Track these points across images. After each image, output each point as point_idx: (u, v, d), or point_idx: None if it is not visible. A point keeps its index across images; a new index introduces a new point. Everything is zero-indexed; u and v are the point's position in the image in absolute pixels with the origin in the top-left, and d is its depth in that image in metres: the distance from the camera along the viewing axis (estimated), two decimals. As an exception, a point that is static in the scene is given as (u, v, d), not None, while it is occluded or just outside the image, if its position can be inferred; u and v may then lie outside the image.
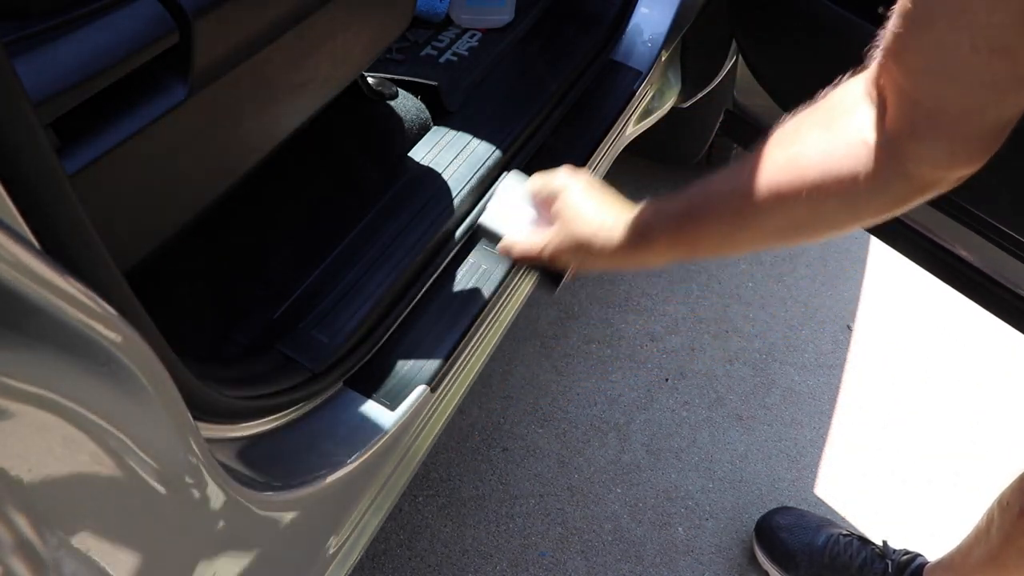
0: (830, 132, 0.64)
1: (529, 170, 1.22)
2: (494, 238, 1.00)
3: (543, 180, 0.95)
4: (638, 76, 1.40)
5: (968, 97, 0.56)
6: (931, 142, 0.59)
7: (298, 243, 1.06)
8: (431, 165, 1.15)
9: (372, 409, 0.91)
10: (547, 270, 0.97)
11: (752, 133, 1.44)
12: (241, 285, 1.01)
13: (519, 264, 1.05)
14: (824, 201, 0.64)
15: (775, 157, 0.67)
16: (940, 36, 0.54)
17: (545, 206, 0.94)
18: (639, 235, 0.81)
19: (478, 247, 1.11)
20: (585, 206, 0.88)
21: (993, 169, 0.61)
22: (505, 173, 1.03)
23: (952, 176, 0.61)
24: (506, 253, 0.98)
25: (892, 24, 0.57)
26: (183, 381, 0.60)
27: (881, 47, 0.60)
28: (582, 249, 0.87)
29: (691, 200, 0.76)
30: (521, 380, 1.69)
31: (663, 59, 1.45)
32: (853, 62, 0.68)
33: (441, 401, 0.99)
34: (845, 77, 0.67)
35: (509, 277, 1.08)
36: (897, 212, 0.65)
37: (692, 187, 0.76)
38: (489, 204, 1.05)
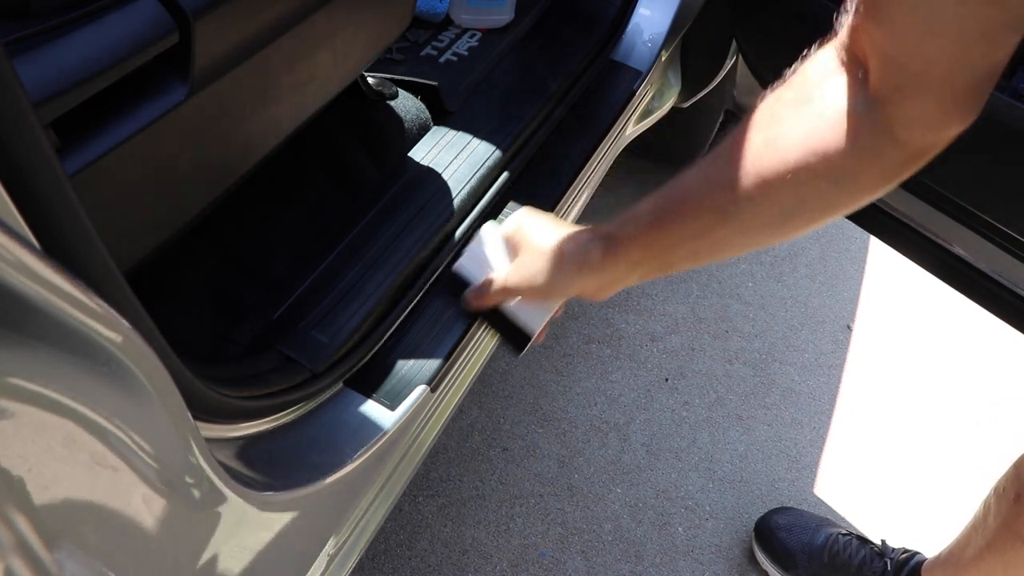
0: (808, 107, 0.60)
1: (529, 169, 1.23)
2: (464, 286, 0.92)
3: (513, 222, 0.88)
4: (638, 76, 1.40)
5: (957, 49, 0.52)
6: (921, 102, 0.55)
7: (298, 243, 1.06)
8: (431, 165, 1.15)
9: (372, 409, 0.91)
10: (509, 329, 0.88)
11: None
12: (241, 285, 1.01)
13: (477, 320, 0.95)
14: (811, 182, 0.60)
15: (753, 141, 0.62)
16: None
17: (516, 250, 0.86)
18: (605, 246, 0.73)
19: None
20: (543, 225, 0.82)
21: (993, 168, 0.61)
22: (485, 224, 0.96)
23: (947, 135, 0.57)
24: (464, 306, 0.91)
25: None
26: (183, 381, 0.60)
27: (853, 10, 0.57)
28: (541, 274, 0.78)
29: (662, 199, 0.69)
30: (521, 380, 1.69)
31: (663, 59, 1.45)
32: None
33: (441, 401, 0.99)
34: (814, 48, 0.63)
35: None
36: (891, 186, 0.61)
37: (662, 188, 0.70)
38: (464, 251, 0.95)
